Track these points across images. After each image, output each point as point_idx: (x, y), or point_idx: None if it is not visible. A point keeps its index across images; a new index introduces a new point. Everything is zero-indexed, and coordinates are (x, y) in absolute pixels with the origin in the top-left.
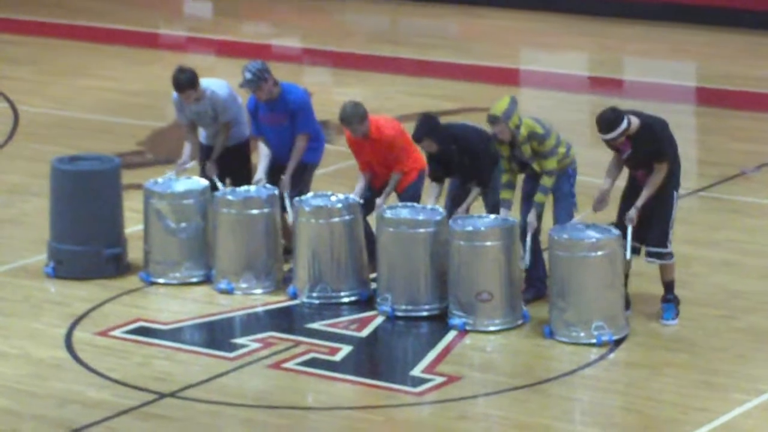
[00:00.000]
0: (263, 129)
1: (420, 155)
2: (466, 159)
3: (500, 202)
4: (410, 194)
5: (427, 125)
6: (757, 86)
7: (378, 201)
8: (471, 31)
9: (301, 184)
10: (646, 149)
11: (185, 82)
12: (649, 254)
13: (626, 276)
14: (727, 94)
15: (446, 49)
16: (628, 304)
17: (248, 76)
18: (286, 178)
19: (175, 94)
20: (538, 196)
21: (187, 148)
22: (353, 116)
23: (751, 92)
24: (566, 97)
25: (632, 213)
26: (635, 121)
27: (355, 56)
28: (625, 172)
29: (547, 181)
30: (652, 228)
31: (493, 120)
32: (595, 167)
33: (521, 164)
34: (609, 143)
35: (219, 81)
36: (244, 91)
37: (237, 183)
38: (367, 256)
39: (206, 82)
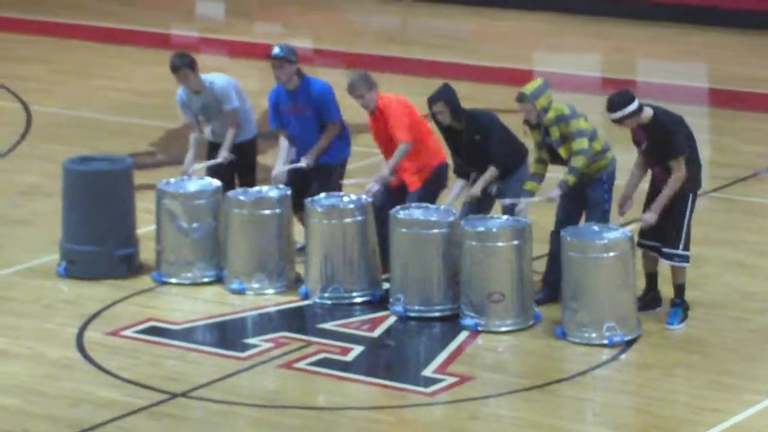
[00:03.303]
0: (286, 120)
1: (439, 147)
2: (477, 138)
3: (521, 193)
4: (421, 196)
5: (446, 90)
6: None
7: (368, 186)
8: (482, 32)
9: (330, 185)
10: (660, 143)
11: (179, 62)
12: (663, 254)
13: (655, 274)
14: (739, 96)
15: (457, 50)
16: (658, 302)
17: (277, 50)
18: (311, 156)
19: (179, 92)
20: (566, 176)
21: (190, 154)
22: (359, 82)
23: (763, 93)
24: (578, 99)
25: (646, 216)
26: (648, 111)
27: (365, 57)
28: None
29: (577, 162)
30: (666, 228)
31: (520, 98)
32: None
33: (552, 153)
34: (620, 125)
35: (219, 74)
36: (254, 91)
37: (244, 181)
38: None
39: (205, 76)
